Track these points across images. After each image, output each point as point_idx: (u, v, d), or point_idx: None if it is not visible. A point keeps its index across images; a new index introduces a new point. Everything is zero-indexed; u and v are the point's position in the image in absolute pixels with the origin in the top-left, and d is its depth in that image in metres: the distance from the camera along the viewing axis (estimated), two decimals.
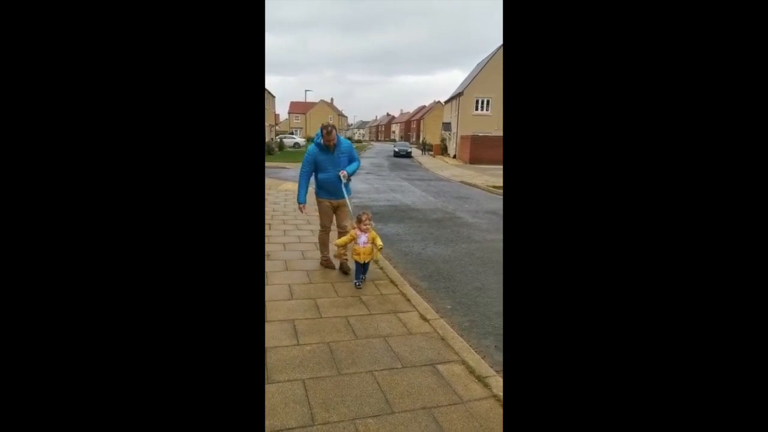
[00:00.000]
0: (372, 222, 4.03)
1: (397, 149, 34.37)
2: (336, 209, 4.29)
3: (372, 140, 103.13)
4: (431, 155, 35.98)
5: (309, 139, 41.07)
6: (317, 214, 4.43)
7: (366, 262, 3.97)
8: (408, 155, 33.04)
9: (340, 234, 4.30)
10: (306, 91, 62.51)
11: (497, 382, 2.46)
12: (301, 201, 4.25)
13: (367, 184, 13.93)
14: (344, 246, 4.17)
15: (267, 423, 2.01)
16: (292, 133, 49.59)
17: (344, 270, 4.29)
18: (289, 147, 35.90)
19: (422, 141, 47.87)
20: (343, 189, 4.12)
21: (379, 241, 3.96)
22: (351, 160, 4.22)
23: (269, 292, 3.71)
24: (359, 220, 3.95)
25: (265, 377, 2.39)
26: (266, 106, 35.00)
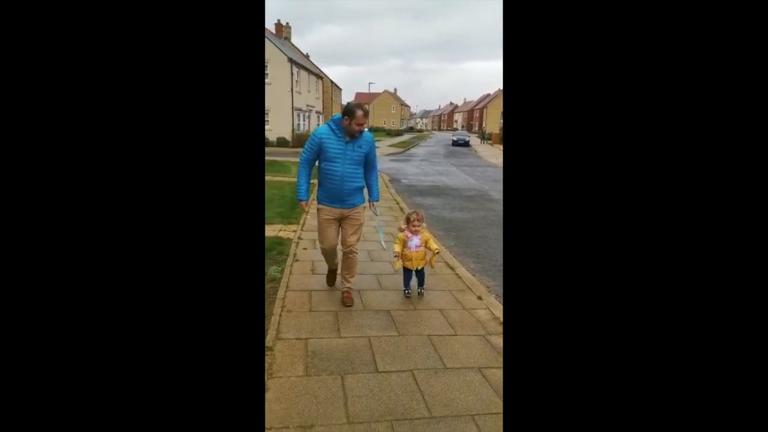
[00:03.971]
0: (424, 223, 3.46)
1: (455, 138, 35.82)
2: (342, 221, 3.20)
3: (434, 130, 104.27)
4: (490, 144, 36.82)
5: (372, 130, 43.08)
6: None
7: (419, 268, 3.45)
8: (466, 144, 34.31)
9: (346, 256, 3.29)
10: (369, 83, 64.82)
11: (462, 270, 4.29)
12: (302, 198, 3.23)
13: (419, 168, 15.90)
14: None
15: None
16: None
17: (345, 303, 3.27)
18: None
19: (482, 130, 48.38)
20: (375, 211, 3.36)
21: (434, 245, 3.46)
22: (369, 163, 3.17)
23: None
24: (407, 221, 3.44)
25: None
26: (333, 98, 37.78)
